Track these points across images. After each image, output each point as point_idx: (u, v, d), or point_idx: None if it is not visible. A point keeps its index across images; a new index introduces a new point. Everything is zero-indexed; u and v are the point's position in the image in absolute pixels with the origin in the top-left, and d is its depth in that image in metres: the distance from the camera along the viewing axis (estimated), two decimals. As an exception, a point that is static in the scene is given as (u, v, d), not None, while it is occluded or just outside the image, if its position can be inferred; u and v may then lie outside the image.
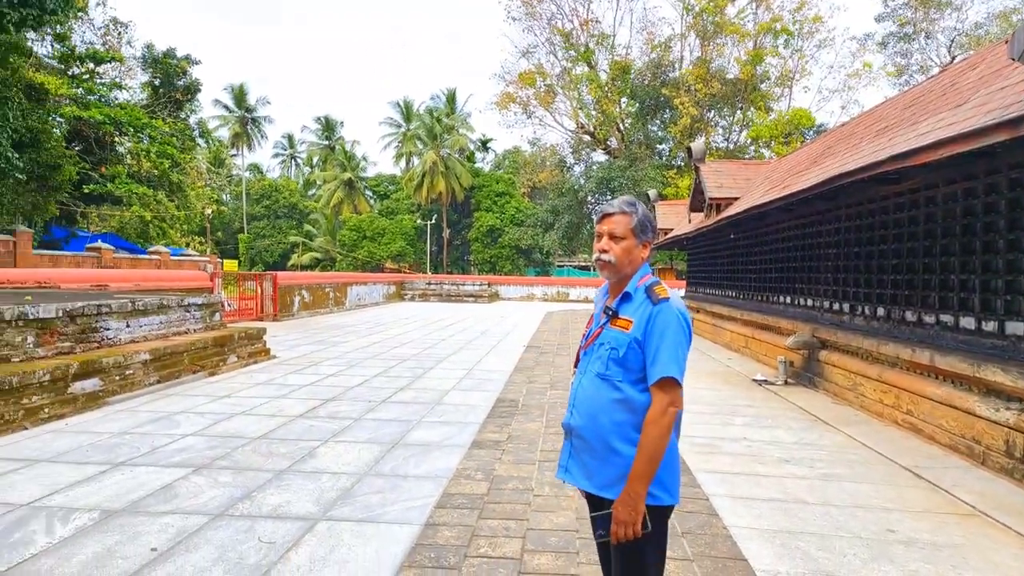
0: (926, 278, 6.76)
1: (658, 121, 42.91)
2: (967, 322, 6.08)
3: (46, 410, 6.32)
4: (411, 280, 34.10)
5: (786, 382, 9.21)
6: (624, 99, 42.39)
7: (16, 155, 13.70)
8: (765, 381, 9.29)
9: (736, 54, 38.25)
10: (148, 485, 4.55)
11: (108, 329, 7.93)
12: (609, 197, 41.82)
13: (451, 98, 57.15)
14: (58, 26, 21.85)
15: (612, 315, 2.13)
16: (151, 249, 23.44)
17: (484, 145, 62.90)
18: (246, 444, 5.63)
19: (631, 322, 2.06)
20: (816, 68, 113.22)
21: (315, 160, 66.05)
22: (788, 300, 10.95)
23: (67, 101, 21.41)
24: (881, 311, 7.66)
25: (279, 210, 58.62)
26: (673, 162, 41.19)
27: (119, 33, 24.40)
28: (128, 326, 8.30)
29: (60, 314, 7.20)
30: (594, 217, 44.10)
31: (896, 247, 7.35)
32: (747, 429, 6.52)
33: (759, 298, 12.57)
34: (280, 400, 7.51)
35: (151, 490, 4.45)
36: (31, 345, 6.81)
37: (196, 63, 27.21)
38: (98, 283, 11.74)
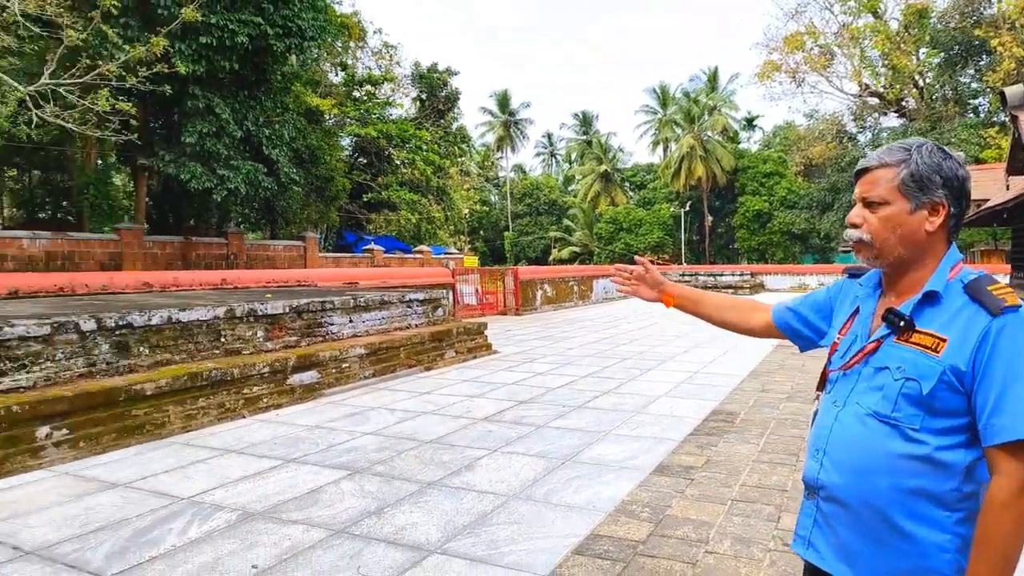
0: None
1: (970, 71, 35.25)
2: None
3: (264, 400, 6.81)
4: (665, 271, 32.68)
5: None
6: (923, 49, 35.58)
7: (295, 170, 15.94)
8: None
9: (1085, -31, 29.50)
10: (299, 487, 4.43)
11: (332, 324, 8.44)
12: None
13: (712, 77, 53.75)
14: (346, 55, 25.14)
15: (903, 325, 1.33)
16: (415, 249, 25.86)
17: (750, 124, 58.23)
18: (414, 448, 5.33)
19: (944, 340, 1.28)
20: None
21: (573, 156, 67.53)
22: None
23: (352, 121, 24.53)
24: None
25: (540, 207, 61.15)
26: (995, 119, 33.39)
27: (390, 55, 27.37)
28: (351, 321, 8.76)
29: (287, 310, 7.79)
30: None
31: None
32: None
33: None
34: (474, 400, 7.21)
35: (298, 493, 4.31)
36: (260, 339, 7.44)
37: (455, 74, 29.38)
38: (349, 280, 12.98)
